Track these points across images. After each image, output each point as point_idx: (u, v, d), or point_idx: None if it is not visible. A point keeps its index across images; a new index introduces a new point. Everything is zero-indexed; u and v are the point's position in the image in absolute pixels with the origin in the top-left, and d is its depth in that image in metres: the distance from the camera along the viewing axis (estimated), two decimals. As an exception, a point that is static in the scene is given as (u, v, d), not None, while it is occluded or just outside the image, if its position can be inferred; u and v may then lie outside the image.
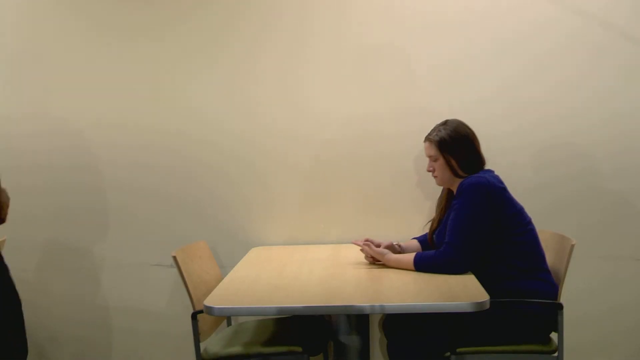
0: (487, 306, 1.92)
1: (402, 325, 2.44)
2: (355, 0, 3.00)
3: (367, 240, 2.47)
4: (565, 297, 2.37)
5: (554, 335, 2.33)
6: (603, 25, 2.93)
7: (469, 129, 2.45)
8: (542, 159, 2.99)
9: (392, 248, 2.51)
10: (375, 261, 2.45)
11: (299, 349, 2.32)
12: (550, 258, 2.45)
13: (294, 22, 3.02)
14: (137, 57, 3.05)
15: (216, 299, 2.04)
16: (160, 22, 3.04)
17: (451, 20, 2.98)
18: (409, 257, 2.32)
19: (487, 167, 2.47)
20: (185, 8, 3.03)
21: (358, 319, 2.33)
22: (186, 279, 2.42)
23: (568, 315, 2.36)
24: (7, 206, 2.06)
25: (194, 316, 2.36)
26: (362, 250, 2.47)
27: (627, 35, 2.92)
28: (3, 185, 2.05)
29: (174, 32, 3.03)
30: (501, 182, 2.36)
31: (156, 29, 3.04)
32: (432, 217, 2.62)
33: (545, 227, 2.63)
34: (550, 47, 2.95)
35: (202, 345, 2.42)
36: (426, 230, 2.67)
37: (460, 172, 2.41)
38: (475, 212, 2.27)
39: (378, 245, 2.46)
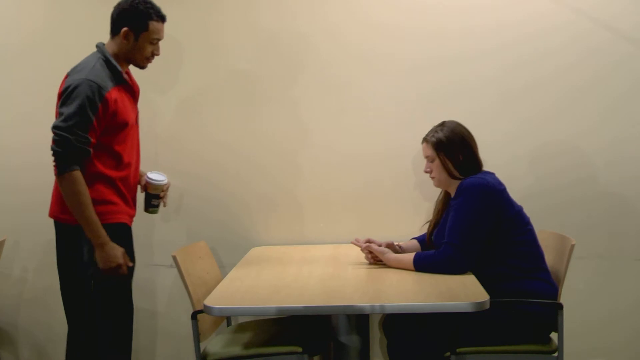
0: (487, 306, 1.92)
1: (402, 325, 2.44)
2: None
3: (368, 240, 2.49)
4: (565, 297, 2.37)
5: (553, 336, 2.33)
6: (603, 29, 2.93)
7: (466, 131, 2.46)
8: (541, 158, 2.99)
9: (392, 248, 2.51)
10: (376, 261, 2.45)
11: (299, 349, 2.31)
12: (550, 258, 2.45)
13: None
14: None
15: (216, 299, 2.04)
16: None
17: (455, 25, 2.99)
18: (409, 256, 2.32)
19: (487, 167, 2.47)
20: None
21: (358, 319, 2.33)
22: (186, 279, 2.42)
23: (568, 316, 2.36)
24: None
25: (194, 316, 2.35)
26: (362, 250, 2.48)
27: (629, 40, 2.92)
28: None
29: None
30: (501, 184, 2.36)
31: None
32: (430, 218, 2.62)
33: (545, 227, 2.63)
34: (551, 49, 2.95)
35: (202, 345, 2.42)
36: (424, 230, 2.67)
37: (456, 174, 2.41)
38: (475, 213, 2.27)
39: (379, 246, 2.46)
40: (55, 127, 2.23)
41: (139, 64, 2.40)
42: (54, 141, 2.23)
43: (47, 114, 3.06)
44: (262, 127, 3.07)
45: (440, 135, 2.43)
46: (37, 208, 3.09)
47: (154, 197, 2.53)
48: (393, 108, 3.02)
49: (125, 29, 2.31)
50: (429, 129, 2.50)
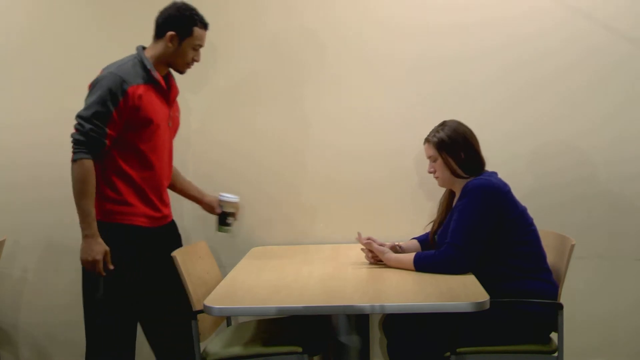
0: (487, 306, 1.92)
1: (402, 325, 2.44)
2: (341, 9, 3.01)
3: (369, 239, 2.49)
4: (565, 297, 2.37)
5: (553, 336, 2.33)
6: (603, 29, 2.93)
7: (468, 129, 2.46)
8: (541, 158, 2.99)
9: (392, 248, 2.51)
10: (376, 261, 2.45)
11: (299, 349, 2.31)
12: (550, 258, 2.45)
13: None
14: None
15: (216, 299, 2.04)
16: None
17: (455, 23, 2.99)
18: (409, 256, 2.32)
19: (488, 167, 2.47)
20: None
21: (358, 319, 2.33)
22: (186, 279, 2.41)
23: (568, 316, 2.36)
24: None
25: (194, 316, 2.35)
26: (362, 249, 2.48)
27: (629, 40, 2.92)
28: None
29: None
30: (505, 185, 2.37)
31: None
32: (433, 218, 2.62)
33: (545, 227, 2.63)
34: (551, 49, 2.95)
35: (202, 345, 2.42)
36: (427, 229, 2.67)
37: (460, 172, 2.42)
38: (479, 214, 2.28)
39: (381, 245, 2.46)
40: (77, 115, 2.28)
41: (179, 68, 2.47)
42: (75, 128, 2.28)
43: (47, 114, 3.08)
44: (262, 126, 3.07)
45: (441, 134, 2.44)
46: (37, 208, 3.11)
47: (230, 215, 2.65)
48: (394, 107, 3.02)
49: (171, 32, 2.38)
50: (431, 129, 2.50)
